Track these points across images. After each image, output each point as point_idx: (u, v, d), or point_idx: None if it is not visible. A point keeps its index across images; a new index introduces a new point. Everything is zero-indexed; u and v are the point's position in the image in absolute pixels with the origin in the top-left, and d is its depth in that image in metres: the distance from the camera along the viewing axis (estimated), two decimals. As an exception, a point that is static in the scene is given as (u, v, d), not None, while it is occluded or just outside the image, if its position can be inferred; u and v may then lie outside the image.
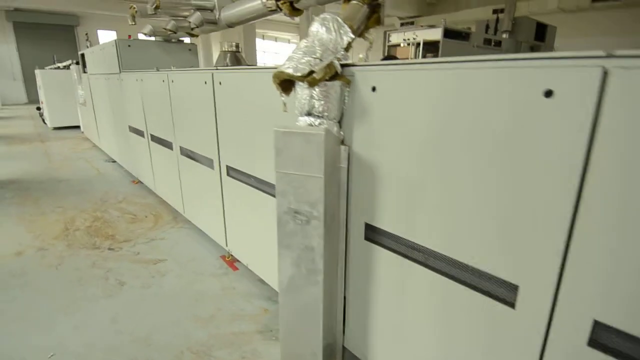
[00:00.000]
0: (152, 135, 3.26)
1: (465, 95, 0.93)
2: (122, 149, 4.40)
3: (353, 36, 1.31)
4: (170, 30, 3.25)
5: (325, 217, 1.21)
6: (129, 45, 3.77)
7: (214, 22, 3.00)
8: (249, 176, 1.93)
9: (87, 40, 5.94)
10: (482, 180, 0.92)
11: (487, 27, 6.36)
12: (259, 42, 17.14)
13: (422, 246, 1.11)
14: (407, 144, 1.09)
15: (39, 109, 9.03)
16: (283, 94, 1.35)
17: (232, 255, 2.38)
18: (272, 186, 1.73)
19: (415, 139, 1.07)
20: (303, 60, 1.22)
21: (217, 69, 2.07)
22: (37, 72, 8.04)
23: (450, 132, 0.97)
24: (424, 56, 5.39)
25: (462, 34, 5.62)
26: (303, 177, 1.20)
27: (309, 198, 1.21)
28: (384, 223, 1.22)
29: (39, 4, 13.30)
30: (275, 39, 22.77)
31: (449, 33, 5.33)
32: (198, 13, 2.91)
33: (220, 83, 2.01)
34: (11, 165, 4.89)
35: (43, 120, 8.79)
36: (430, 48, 5.54)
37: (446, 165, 1.00)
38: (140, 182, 4.06)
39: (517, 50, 6.93)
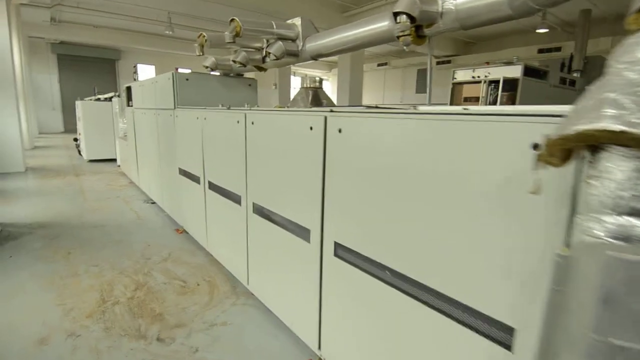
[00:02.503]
0: (211, 184, 2.72)
1: None
2: (166, 191, 3.90)
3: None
4: (240, 63, 2.78)
5: None
6: (187, 79, 3.34)
7: (295, 54, 2.52)
8: (365, 260, 1.31)
9: (134, 72, 5.67)
10: None
11: (563, 65, 5.79)
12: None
13: None
14: None
15: (75, 140, 8.87)
16: (546, 165, 0.74)
17: (326, 363, 1.72)
18: (411, 283, 1.09)
19: None
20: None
21: (331, 112, 1.50)
22: (78, 103, 7.91)
23: None
24: (502, 96, 4.82)
25: (540, 72, 5.05)
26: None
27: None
28: None
29: (83, 37, 13.74)
30: (305, 76, 23.00)
31: (528, 71, 4.76)
32: (280, 43, 2.43)
33: (340, 130, 1.43)
34: (43, 204, 4.46)
35: (79, 152, 8.59)
36: (505, 86, 4.97)
37: None
38: (185, 231, 3.51)
39: (590, 91, 6.29)
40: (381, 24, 1.90)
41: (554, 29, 11.32)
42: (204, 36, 2.60)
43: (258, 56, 2.84)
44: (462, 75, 5.20)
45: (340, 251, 1.50)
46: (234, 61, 2.81)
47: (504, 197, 0.93)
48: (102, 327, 2.03)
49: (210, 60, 3.27)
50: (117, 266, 2.79)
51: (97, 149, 7.81)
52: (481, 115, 1.01)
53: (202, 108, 2.78)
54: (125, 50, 16.78)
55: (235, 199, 2.35)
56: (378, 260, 1.32)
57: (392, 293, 1.28)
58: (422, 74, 16.42)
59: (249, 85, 3.77)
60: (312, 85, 2.49)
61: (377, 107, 1.51)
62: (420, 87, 16.53)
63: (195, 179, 3.00)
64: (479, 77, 5.01)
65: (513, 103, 4.74)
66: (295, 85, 21.62)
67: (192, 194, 3.10)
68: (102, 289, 2.44)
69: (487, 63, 5.42)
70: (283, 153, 1.81)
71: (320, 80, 2.52)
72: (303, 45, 2.49)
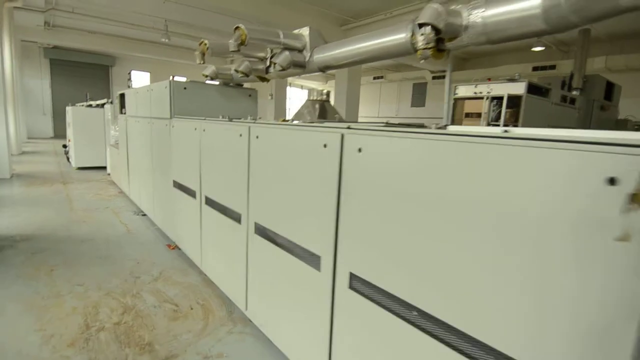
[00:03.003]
0: (208, 199, 2.55)
1: None
2: (158, 204, 3.71)
3: None
4: (243, 73, 2.66)
5: None
6: (185, 88, 3.20)
7: (301, 65, 2.40)
8: (387, 296, 1.16)
9: (129, 79, 5.51)
10: None
11: (564, 83, 5.78)
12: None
13: None
14: None
15: (65, 146, 8.62)
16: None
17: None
18: (446, 328, 0.95)
19: None
20: None
21: (349, 128, 1.37)
22: (69, 109, 7.69)
23: None
24: (506, 113, 4.76)
25: (542, 89, 5.02)
26: None
27: None
28: None
29: (77, 43, 13.56)
30: (301, 87, 23.02)
31: (531, 88, 4.72)
32: (287, 53, 2.31)
33: (360, 150, 1.30)
34: (28, 213, 4.23)
35: (67, 159, 8.34)
36: (507, 103, 4.92)
37: None
38: (178, 248, 3.32)
39: (589, 110, 6.31)
40: (398, 36, 1.79)
41: (549, 47, 11.49)
42: (205, 44, 2.47)
43: (261, 66, 2.72)
44: (463, 90, 5.15)
45: (357, 284, 1.35)
46: (236, 70, 2.68)
47: (570, 238, 0.79)
48: (85, 359, 1.83)
49: (210, 69, 3.14)
50: (104, 286, 2.60)
51: (86, 156, 7.58)
52: (530, 140, 0.89)
53: (200, 119, 2.64)
54: (119, 57, 16.62)
55: (235, 217, 2.19)
56: (403, 298, 1.17)
57: (420, 338, 1.13)
58: (417, 88, 16.53)
59: (249, 95, 3.64)
60: (319, 98, 2.37)
61: (400, 125, 1.38)
62: (416, 101, 16.62)
63: (190, 192, 2.83)
64: (481, 92, 4.95)
65: (517, 120, 4.68)
66: (291, 96, 21.62)
67: (187, 209, 2.93)
68: (86, 313, 2.24)
69: (489, 79, 5.38)
70: (291, 171, 1.66)
71: (328, 93, 2.40)
72: (310, 57, 2.37)
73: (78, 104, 8.30)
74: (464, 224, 0.99)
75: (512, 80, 4.77)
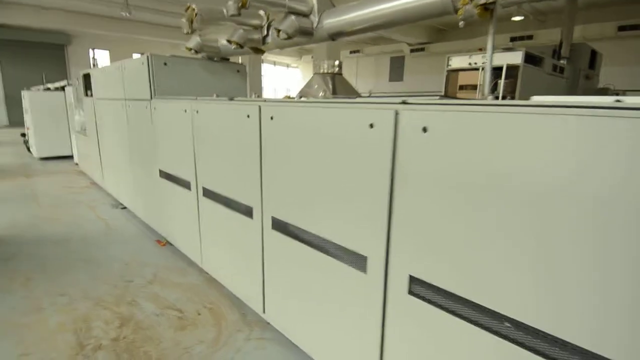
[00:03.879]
0: (206, 190, 2.25)
1: None
2: (141, 196, 3.35)
3: None
4: (237, 44, 2.31)
5: None
6: (165, 63, 2.80)
7: (308, 32, 2.08)
8: (468, 304, 0.96)
9: (93, 57, 4.94)
10: None
11: (554, 52, 5.70)
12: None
13: None
14: None
15: (23, 135, 7.85)
16: None
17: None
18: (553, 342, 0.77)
19: None
20: None
21: (404, 103, 1.12)
22: (25, 93, 6.93)
23: None
24: (504, 83, 4.61)
25: (536, 59, 4.89)
26: None
27: None
28: None
29: (28, 20, 12.27)
30: (274, 63, 22.19)
31: (527, 58, 4.58)
32: (292, 18, 1.99)
33: (425, 129, 1.05)
34: (-11, 214, 3.75)
35: (28, 149, 7.62)
36: (501, 74, 4.77)
37: None
38: (169, 243, 3.01)
39: (575, 79, 6.29)
40: (436, -8, 1.53)
41: (527, 17, 11.44)
42: (193, 9, 2.10)
43: (257, 36, 2.38)
44: (457, 62, 4.95)
45: (419, 288, 1.14)
46: (228, 41, 2.33)
47: None
48: (82, 388, 1.56)
49: (194, 41, 2.75)
50: (91, 294, 2.28)
51: (49, 145, 6.91)
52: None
53: (191, 98, 2.29)
54: (75, 35, 15.27)
55: (244, 210, 1.92)
56: (490, 307, 0.97)
57: (519, 354, 0.93)
58: (395, 62, 16.25)
59: (237, 71, 3.28)
60: (330, 71, 2.08)
61: (490, 100, 1.14)
62: (394, 75, 16.36)
63: (183, 183, 2.52)
64: (475, 63, 4.77)
65: (513, 92, 4.55)
66: (264, 73, 20.83)
67: (179, 201, 2.62)
68: (76, 328, 1.94)
69: (480, 49, 5.21)
70: (321, 156, 1.40)
71: (340, 64, 2.11)
72: (319, 22, 2.06)
73: (34, 88, 7.52)
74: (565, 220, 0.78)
75: (508, 49, 4.60)
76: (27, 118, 7.08)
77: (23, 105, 7.37)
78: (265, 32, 2.35)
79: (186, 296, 2.28)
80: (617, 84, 8.47)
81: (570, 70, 5.98)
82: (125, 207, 4.00)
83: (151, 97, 2.80)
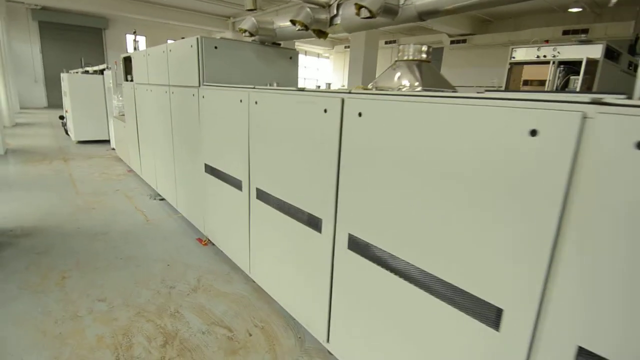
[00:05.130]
0: (260, 192, 1.98)
1: None
2: (183, 190, 3.14)
3: None
4: (302, 24, 2.00)
5: None
6: (216, 47, 2.53)
7: (393, 11, 1.75)
8: None
9: (135, 40, 4.78)
10: None
11: (631, 47, 5.08)
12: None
13: None
14: None
15: (62, 117, 7.91)
16: None
17: None
18: None
19: None
20: None
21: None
22: (64, 75, 6.91)
23: None
24: (580, 81, 4.10)
25: (614, 53, 4.33)
26: None
27: None
28: None
29: (67, 3, 12.41)
30: (305, 53, 21.80)
31: (608, 52, 4.05)
32: (378, -7, 1.65)
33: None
34: (27, 199, 3.65)
35: (66, 131, 7.66)
36: (574, 69, 4.26)
37: None
38: (211, 243, 2.78)
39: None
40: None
41: (583, 9, 10.55)
42: (257, -17, 1.80)
43: (324, 15, 2.07)
44: (523, 54, 4.45)
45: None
46: (292, 21, 2.02)
47: None
48: None
49: (249, 22, 2.46)
50: (131, 301, 2.07)
51: (87, 129, 6.90)
52: None
53: (249, 87, 2.01)
54: (112, 19, 15.44)
55: (308, 221, 1.63)
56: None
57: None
58: (433, 54, 15.51)
59: (290, 58, 2.98)
60: (416, 58, 1.74)
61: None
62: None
63: (233, 182, 2.26)
64: (545, 56, 4.27)
65: (589, 90, 4.05)
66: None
67: (227, 201, 2.36)
68: (116, 344, 1.72)
69: (547, 41, 4.68)
70: (432, 164, 1.08)
71: (429, 50, 1.76)
72: (407, -1, 1.72)
73: (72, 71, 7.51)
74: None
75: (585, 42, 4.08)
76: (66, 101, 7.08)
77: (62, 88, 7.38)
78: (335, 12, 2.03)
79: (234, 310, 2.03)
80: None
81: (646, 67, 5.34)
82: (163, 199, 3.82)
83: (199, 84, 2.54)
